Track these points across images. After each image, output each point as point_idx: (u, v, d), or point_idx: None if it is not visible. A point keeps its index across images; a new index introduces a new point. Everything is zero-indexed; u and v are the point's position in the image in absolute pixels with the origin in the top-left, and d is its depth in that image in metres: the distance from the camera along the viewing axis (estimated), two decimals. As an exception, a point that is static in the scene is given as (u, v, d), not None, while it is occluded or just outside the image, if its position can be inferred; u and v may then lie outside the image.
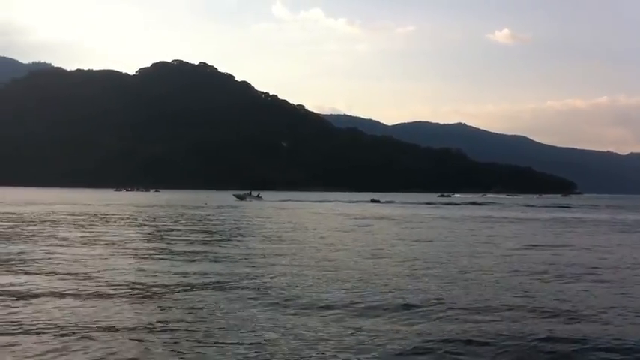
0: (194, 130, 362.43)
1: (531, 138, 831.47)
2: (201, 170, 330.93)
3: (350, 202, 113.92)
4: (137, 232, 34.33)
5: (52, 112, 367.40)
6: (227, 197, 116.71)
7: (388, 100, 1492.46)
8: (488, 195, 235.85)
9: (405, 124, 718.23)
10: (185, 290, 15.08)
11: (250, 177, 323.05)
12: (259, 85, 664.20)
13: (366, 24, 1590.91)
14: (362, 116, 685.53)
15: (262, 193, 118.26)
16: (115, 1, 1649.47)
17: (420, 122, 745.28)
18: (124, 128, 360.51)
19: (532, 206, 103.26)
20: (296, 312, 12.91)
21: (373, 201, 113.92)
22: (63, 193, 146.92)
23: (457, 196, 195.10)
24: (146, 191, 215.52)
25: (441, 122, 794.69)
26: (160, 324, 11.54)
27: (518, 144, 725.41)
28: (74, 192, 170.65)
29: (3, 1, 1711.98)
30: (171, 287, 15.40)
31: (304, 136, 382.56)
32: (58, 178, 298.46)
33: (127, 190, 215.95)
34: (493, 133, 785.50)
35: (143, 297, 14.18)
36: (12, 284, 15.35)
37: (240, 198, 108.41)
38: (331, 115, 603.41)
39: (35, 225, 37.26)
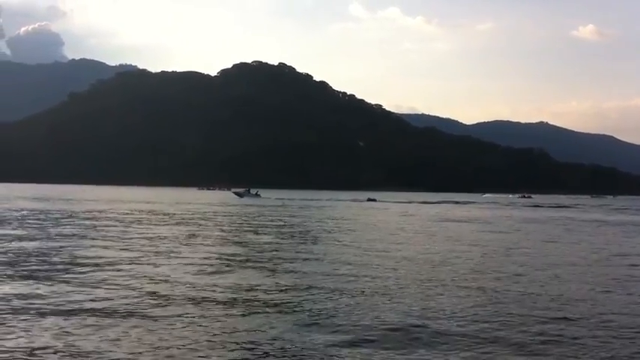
0: (274, 129, 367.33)
1: (618, 137, 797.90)
2: (280, 169, 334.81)
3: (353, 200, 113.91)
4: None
5: (137, 113, 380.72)
6: (303, 195, 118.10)
7: (467, 98, 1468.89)
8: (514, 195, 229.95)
9: (484, 123, 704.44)
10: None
11: (328, 176, 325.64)
12: (337, 85, 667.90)
13: (443, 22, 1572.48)
14: (440, 115, 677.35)
15: (342, 194, 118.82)
16: (197, 5, 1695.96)
17: (500, 121, 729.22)
18: (205, 128, 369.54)
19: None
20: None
21: (370, 199, 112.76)
22: (149, 192, 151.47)
23: (488, 196, 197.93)
24: (228, 190, 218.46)
25: (522, 121, 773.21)
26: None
27: (604, 143, 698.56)
28: (158, 191, 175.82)
29: (91, 6, 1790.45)
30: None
31: (382, 136, 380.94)
32: (141, 176, 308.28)
33: (208, 189, 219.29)
34: (577, 132, 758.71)
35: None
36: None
37: (240, 195, 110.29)
38: (409, 114, 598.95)
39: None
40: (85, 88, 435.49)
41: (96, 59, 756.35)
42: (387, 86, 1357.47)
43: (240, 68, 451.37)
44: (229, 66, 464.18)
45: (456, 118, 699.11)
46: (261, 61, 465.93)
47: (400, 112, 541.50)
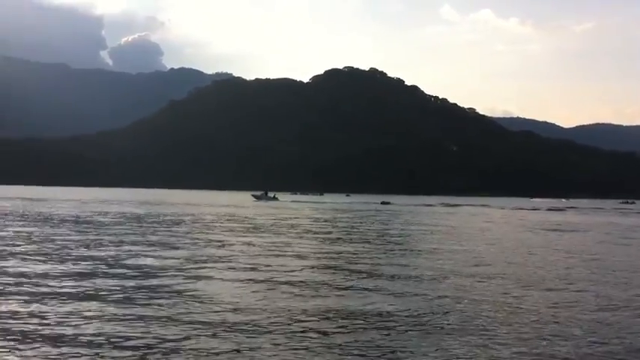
0: (365, 134, 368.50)
1: None
2: (371, 174, 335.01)
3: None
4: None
5: (233, 119, 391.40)
6: (396, 199, 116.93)
7: (565, 101, 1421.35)
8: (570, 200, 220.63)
9: (584, 126, 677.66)
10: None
11: (420, 181, 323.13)
12: (428, 89, 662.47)
13: (538, 23, 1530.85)
14: (537, 118, 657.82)
15: (436, 198, 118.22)
16: (289, 12, 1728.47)
17: (601, 124, 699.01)
18: (298, 134, 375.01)
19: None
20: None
21: (383, 203, 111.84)
22: (244, 197, 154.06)
23: (537, 200, 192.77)
24: (320, 195, 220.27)
25: (626, 124, 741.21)
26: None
27: None
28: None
29: (187, 16, 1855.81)
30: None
31: (475, 140, 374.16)
32: (234, 181, 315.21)
33: (301, 194, 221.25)
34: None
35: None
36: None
37: (257, 198, 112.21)
38: (503, 117, 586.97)
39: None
40: (184, 96, 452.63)
41: (194, 68, 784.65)
42: (480, 89, 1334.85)
43: (332, 74, 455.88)
44: (321, 72, 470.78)
45: (553, 121, 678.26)
46: (352, 67, 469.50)
47: (494, 116, 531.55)
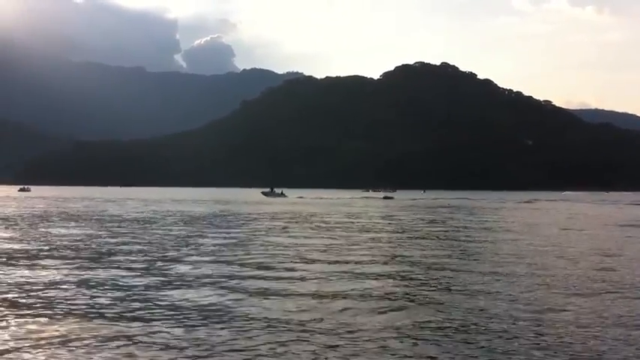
0: (438, 130, 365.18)
1: None
2: (443, 170, 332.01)
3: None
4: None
5: (304, 117, 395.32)
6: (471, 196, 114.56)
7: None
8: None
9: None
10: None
11: (495, 176, 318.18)
12: (502, 82, 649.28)
13: (617, 10, 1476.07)
14: (616, 110, 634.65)
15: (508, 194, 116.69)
16: (357, 9, 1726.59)
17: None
18: (369, 131, 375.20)
19: None
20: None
21: (386, 197, 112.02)
22: (336, 194, 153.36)
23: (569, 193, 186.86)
24: (393, 191, 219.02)
25: None
26: None
27: None
28: (331, 193, 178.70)
29: (258, 17, 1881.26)
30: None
31: (551, 133, 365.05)
32: (307, 179, 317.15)
33: (373, 191, 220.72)
34: None
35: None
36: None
37: (266, 194, 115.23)
38: (580, 109, 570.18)
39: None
40: (257, 96, 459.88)
41: (265, 68, 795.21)
42: (555, 81, 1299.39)
43: (403, 70, 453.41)
44: (391, 68, 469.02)
45: (633, 112, 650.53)
46: (423, 62, 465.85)
47: (571, 108, 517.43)
